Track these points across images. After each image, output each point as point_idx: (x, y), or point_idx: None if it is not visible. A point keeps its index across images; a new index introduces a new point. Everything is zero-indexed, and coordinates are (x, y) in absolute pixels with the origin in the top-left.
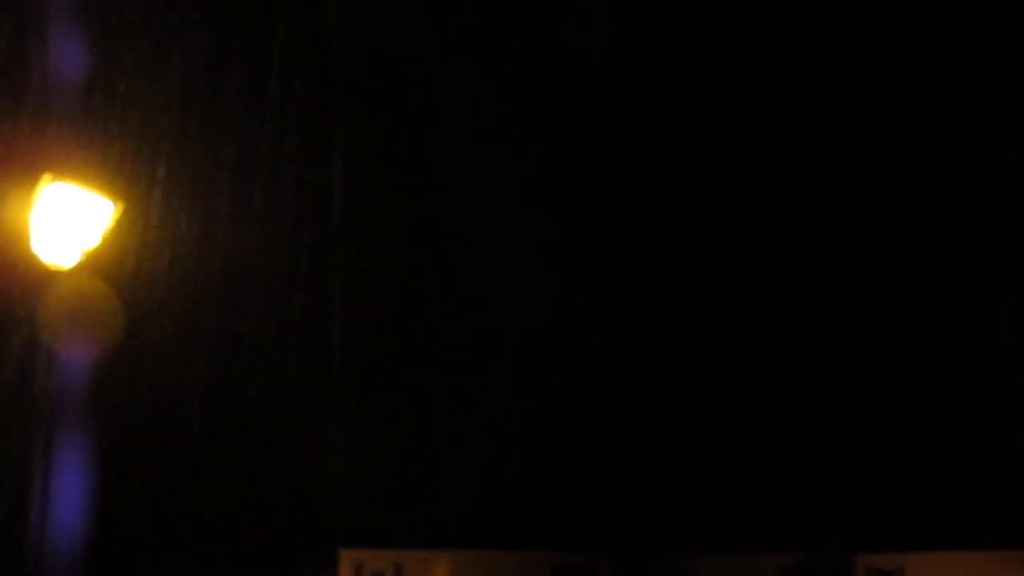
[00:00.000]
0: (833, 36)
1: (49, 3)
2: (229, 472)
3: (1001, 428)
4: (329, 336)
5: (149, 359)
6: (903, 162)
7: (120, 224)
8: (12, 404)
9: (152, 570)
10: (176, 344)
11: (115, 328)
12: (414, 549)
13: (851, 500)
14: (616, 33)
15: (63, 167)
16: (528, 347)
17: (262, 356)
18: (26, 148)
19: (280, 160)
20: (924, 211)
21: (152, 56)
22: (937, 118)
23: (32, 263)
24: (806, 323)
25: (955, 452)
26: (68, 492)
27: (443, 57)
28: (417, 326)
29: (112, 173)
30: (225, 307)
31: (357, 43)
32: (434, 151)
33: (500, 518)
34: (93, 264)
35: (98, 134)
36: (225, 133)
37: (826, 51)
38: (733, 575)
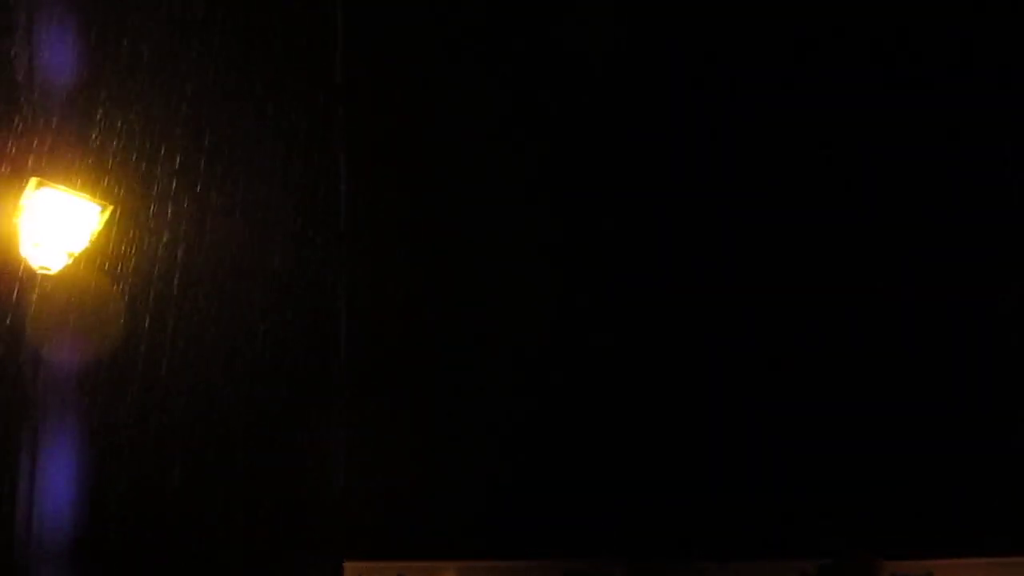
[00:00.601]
0: (833, 36)
1: (37, 4)
2: (228, 483)
3: None
4: (330, 339)
5: (142, 362)
6: (903, 162)
7: (109, 227)
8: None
9: None
10: (171, 346)
11: (107, 330)
12: (420, 559)
13: (877, 505)
14: (616, 33)
15: (50, 170)
16: (537, 349)
17: (260, 360)
18: (13, 151)
19: (280, 159)
20: (924, 211)
21: (143, 56)
22: (937, 118)
23: (20, 267)
24: (826, 324)
25: (984, 456)
26: (57, 499)
27: (444, 57)
28: (420, 327)
29: (101, 175)
30: (222, 309)
31: (360, 42)
32: (436, 151)
33: (509, 525)
34: (82, 268)
35: (87, 136)
36: (221, 133)
37: (826, 51)
38: None
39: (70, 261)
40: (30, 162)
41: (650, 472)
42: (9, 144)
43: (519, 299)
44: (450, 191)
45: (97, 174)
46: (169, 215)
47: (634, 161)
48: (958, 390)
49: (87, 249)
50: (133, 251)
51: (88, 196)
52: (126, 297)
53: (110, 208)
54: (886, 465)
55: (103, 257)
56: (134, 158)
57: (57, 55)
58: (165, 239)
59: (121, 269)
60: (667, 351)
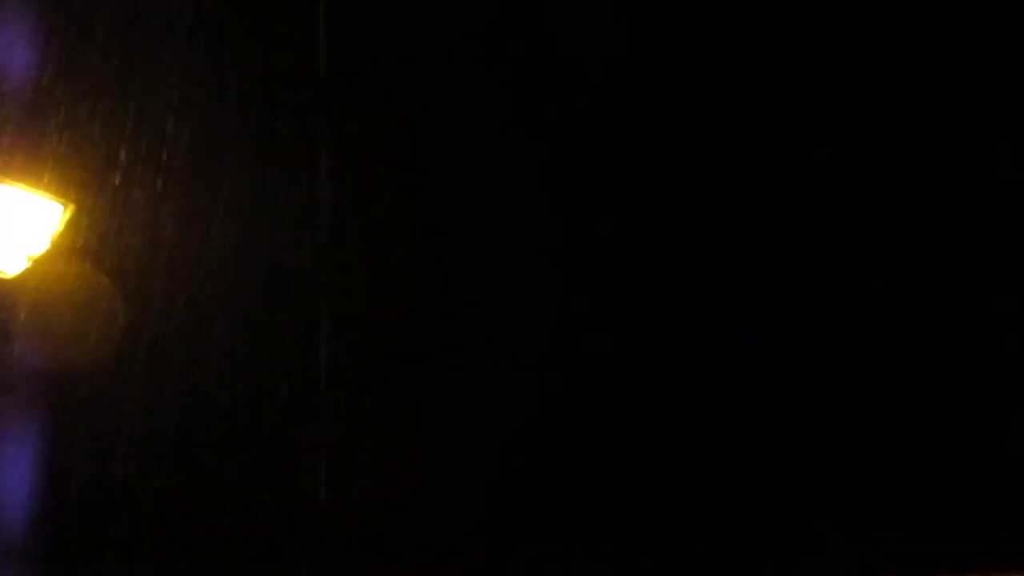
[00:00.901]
0: (833, 36)
1: None
2: (204, 498)
3: None
4: (318, 343)
5: (112, 366)
6: (903, 162)
7: (72, 227)
8: None
9: None
10: (144, 349)
11: (73, 335)
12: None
13: (884, 522)
14: (616, 32)
15: (8, 167)
16: (536, 349)
17: (241, 364)
18: None
19: (268, 155)
20: (924, 211)
21: (111, 49)
22: (937, 118)
23: None
24: (827, 324)
25: (997, 472)
26: (15, 502)
27: (439, 54)
28: (415, 327)
29: (63, 172)
30: (200, 309)
31: (349, 37)
32: (432, 146)
33: (512, 542)
34: (42, 271)
35: (48, 129)
36: (198, 128)
37: (826, 51)
38: None
39: (29, 264)
40: None
41: (658, 490)
42: None
43: (517, 298)
44: (446, 188)
45: (59, 170)
46: (146, 215)
47: (633, 161)
48: (968, 397)
49: (48, 251)
50: (102, 252)
51: (49, 194)
52: (94, 302)
53: (73, 207)
54: (896, 482)
55: (66, 260)
56: (100, 154)
57: (14, 46)
58: (142, 240)
59: (87, 271)
60: (668, 352)
